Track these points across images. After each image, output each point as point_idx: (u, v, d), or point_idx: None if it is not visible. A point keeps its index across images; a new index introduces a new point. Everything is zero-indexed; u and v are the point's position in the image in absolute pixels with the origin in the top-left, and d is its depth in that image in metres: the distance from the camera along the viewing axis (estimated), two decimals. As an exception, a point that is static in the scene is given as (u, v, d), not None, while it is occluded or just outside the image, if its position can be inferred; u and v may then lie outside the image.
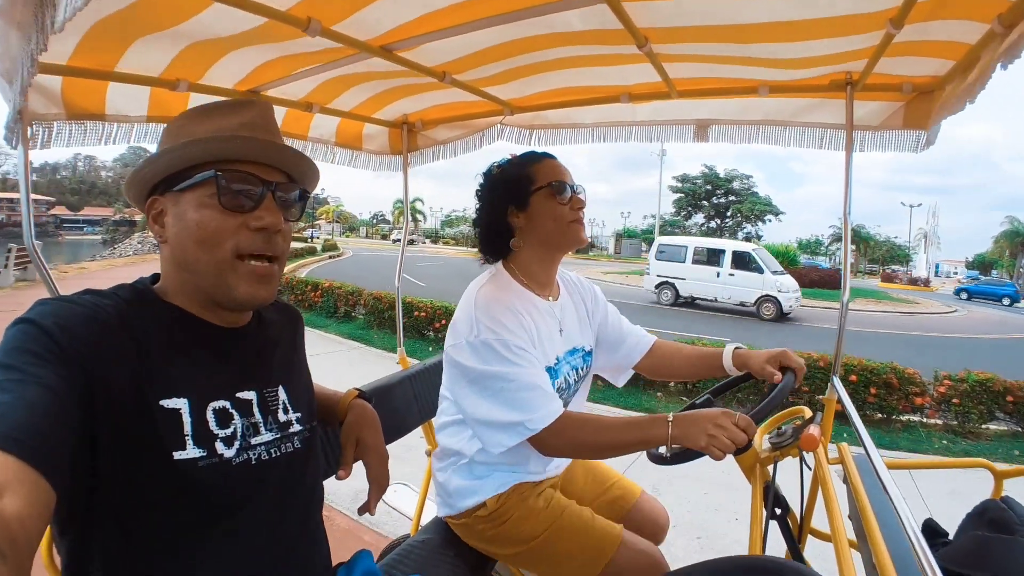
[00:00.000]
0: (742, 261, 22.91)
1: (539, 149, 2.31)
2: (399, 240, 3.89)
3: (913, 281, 55.34)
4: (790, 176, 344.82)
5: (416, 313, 11.89)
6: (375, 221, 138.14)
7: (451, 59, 2.28)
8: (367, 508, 1.51)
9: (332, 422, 1.66)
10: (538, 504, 2.02)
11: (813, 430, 1.82)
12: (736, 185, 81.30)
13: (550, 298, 2.12)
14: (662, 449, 1.72)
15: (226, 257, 1.17)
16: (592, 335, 2.33)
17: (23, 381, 0.87)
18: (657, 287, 24.65)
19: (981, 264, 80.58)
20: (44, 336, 0.95)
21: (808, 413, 2.12)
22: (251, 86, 2.44)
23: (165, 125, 1.35)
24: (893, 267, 69.48)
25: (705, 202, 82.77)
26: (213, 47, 2.01)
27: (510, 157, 2.14)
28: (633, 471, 4.57)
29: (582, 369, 2.22)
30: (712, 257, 23.75)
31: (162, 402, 1.07)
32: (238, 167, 1.20)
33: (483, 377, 1.82)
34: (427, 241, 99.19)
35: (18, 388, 0.86)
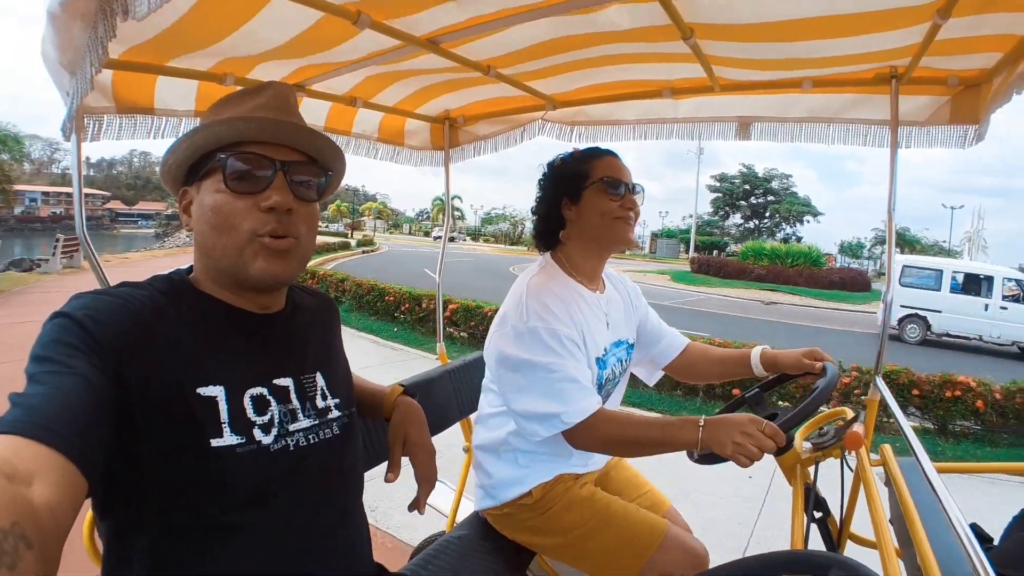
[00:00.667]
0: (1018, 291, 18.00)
1: (580, 146, 2.28)
2: (439, 237, 3.88)
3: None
4: (844, 175, 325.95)
5: (387, 298, 12.68)
6: (420, 218, 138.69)
7: (497, 54, 2.26)
8: (416, 505, 1.48)
9: (376, 417, 1.63)
10: (582, 494, 2.01)
11: (857, 428, 1.77)
12: (775, 185, 79.92)
13: (597, 291, 2.11)
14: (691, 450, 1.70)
15: (241, 240, 1.15)
16: (634, 330, 2.32)
17: (58, 372, 0.88)
18: (901, 321, 19.12)
19: (1032, 269, 76.69)
20: (79, 328, 0.95)
21: (850, 414, 2.06)
22: (298, 80, 2.44)
23: None
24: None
25: (743, 202, 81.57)
26: (261, 42, 2.00)
27: (574, 151, 2.13)
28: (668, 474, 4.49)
29: (625, 361, 2.21)
30: (974, 285, 18.78)
31: (199, 390, 1.07)
32: (247, 148, 1.18)
33: (525, 365, 1.81)
34: (467, 239, 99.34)
35: (53, 379, 0.87)
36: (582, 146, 2.16)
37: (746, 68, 2.29)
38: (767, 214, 79.70)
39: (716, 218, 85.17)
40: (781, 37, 1.94)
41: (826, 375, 1.95)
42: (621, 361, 2.16)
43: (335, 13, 1.74)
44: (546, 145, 2.74)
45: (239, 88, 2.15)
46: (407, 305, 12.06)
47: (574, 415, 1.74)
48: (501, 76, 2.47)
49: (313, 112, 2.78)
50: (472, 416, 2.24)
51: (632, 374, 2.39)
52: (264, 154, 1.18)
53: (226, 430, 1.08)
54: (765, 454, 1.56)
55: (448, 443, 2.60)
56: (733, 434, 1.55)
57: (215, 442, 1.06)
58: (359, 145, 3.11)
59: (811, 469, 1.97)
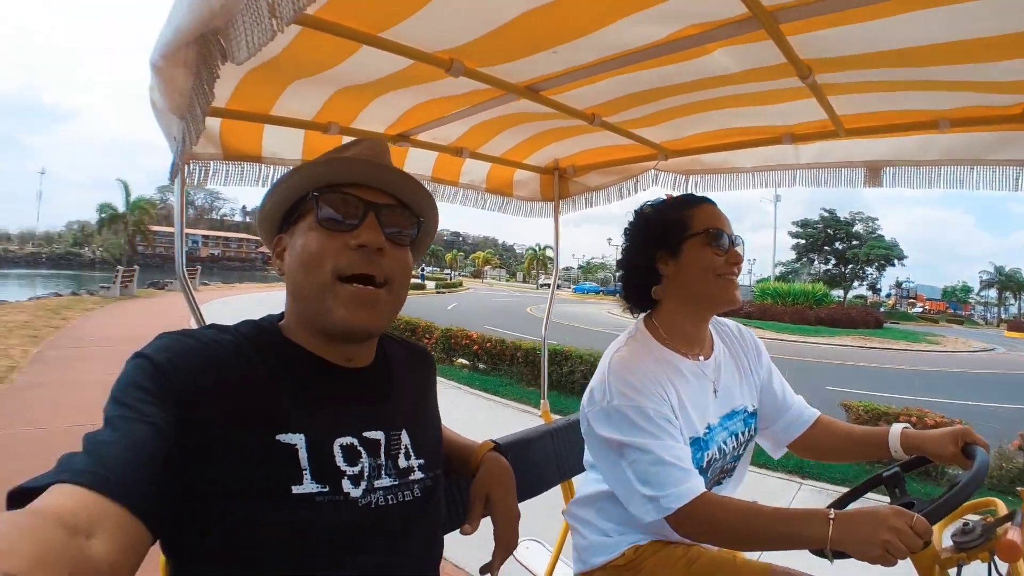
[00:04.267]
0: None
1: (697, 194, 2.02)
2: (545, 285, 3.64)
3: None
4: (1007, 218, 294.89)
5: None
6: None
7: (601, 101, 2.03)
8: (490, 569, 1.33)
9: (464, 473, 1.47)
10: (676, 552, 1.70)
11: (1013, 534, 1.34)
12: (859, 229, 76.91)
13: (700, 356, 1.79)
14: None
15: (327, 279, 1.08)
16: (755, 395, 1.92)
17: (131, 419, 0.84)
18: None
19: None
20: (157, 373, 0.91)
21: (1003, 508, 1.65)
22: (401, 130, 2.33)
23: None
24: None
25: (826, 247, 78.67)
26: (361, 91, 1.93)
27: (665, 198, 1.86)
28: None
29: (744, 434, 1.84)
30: None
31: (279, 437, 0.99)
32: (341, 189, 1.14)
33: (617, 446, 1.57)
34: (572, 286, 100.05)
35: (125, 426, 0.83)
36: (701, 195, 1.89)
37: (873, 106, 1.96)
38: (849, 259, 76.45)
39: (799, 265, 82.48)
40: (910, 63, 1.61)
41: (975, 462, 1.56)
42: (736, 435, 1.81)
43: (427, 61, 1.63)
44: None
45: (343, 137, 2.21)
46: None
47: (673, 499, 1.46)
48: (607, 125, 2.22)
49: (420, 162, 2.68)
50: (575, 479, 1.98)
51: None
52: (357, 195, 1.14)
53: (306, 477, 0.99)
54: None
55: (546, 502, 2.34)
56: (879, 531, 1.24)
57: (296, 489, 0.98)
58: (467, 196, 2.97)
59: (952, 571, 1.52)
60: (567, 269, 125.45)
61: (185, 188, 1.83)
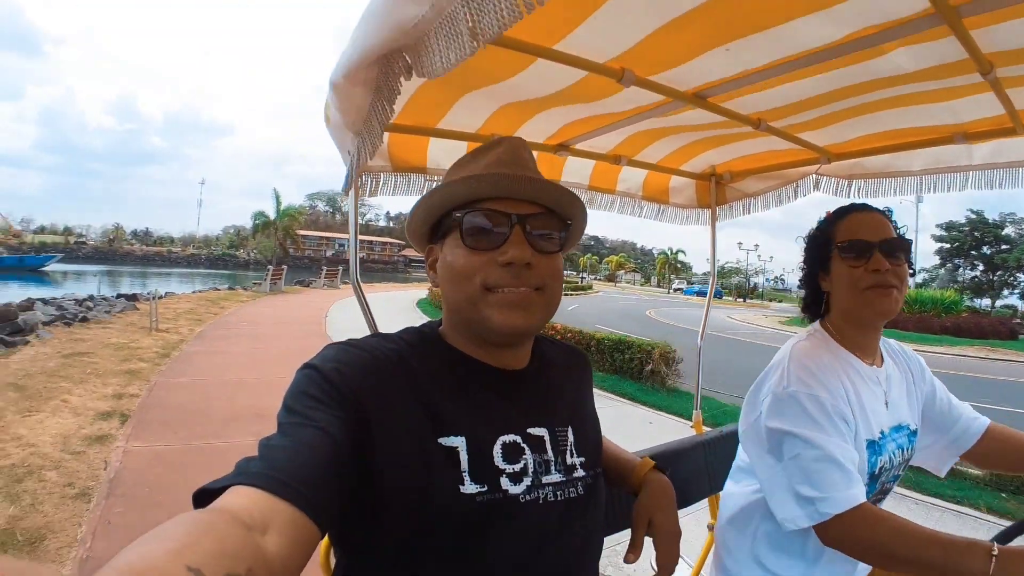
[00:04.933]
0: None
1: (859, 200, 1.93)
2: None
3: None
4: None
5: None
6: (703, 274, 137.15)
7: (769, 107, 1.97)
8: None
9: (621, 488, 1.44)
10: None
11: None
12: (1010, 231, 70.26)
13: (873, 364, 1.69)
14: None
15: (475, 291, 1.10)
16: (918, 414, 1.80)
17: (301, 424, 0.90)
18: None
19: None
20: (324, 381, 0.96)
21: None
22: (561, 140, 2.34)
23: None
24: None
25: (973, 252, 72.25)
26: (527, 104, 1.95)
27: (827, 213, 1.79)
28: None
29: (906, 451, 1.71)
30: None
31: (440, 440, 1.03)
32: (483, 205, 1.13)
33: (781, 436, 1.48)
34: (683, 289, 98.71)
35: (296, 431, 0.88)
36: (862, 200, 1.81)
37: None
38: (998, 264, 69.78)
39: (943, 271, 76.34)
40: None
41: None
42: (902, 450, 1.69)
43: (600, 72, 1.63)
44: (820, 202, 2.38)
45: None
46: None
47: (832, 504, 1.36)
48: (772, 130, 2.15)
49: (577, 172, 2.69)
50: (722, 493, 1.94)
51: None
52: (500, 209, 1.13)
53: (467, 478, 1.02)
54: None
55: (690, 515, 2.32)
56: None
57: (462, 488, 1.01)
58: (624, 203, 2.96)
59: None
60: (706, 274, 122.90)
61: (358, 199, 1.89)
